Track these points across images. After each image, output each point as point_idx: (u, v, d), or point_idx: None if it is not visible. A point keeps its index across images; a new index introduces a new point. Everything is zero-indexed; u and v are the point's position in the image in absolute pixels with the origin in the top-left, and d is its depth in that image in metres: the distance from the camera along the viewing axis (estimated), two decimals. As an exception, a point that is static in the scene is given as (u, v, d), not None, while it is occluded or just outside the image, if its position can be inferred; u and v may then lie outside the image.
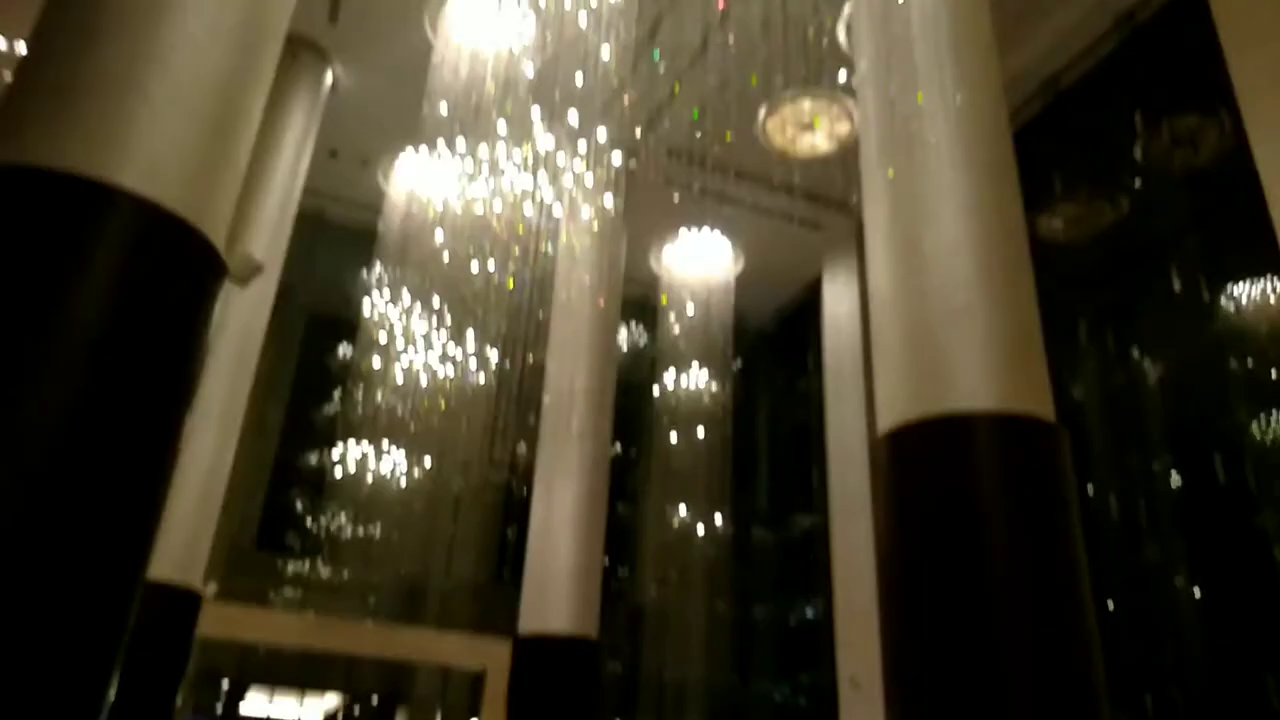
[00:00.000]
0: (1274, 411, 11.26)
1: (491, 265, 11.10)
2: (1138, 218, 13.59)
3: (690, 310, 14.28)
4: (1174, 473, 13.44)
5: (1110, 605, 12.49)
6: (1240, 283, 11.74)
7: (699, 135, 11.26)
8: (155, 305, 4.14)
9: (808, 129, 12.94)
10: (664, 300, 14.54)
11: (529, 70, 9.81)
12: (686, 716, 19.76)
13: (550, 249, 12.04)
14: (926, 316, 5.87)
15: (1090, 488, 13.17)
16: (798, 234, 15.19)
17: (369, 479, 14.97)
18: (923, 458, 5.62)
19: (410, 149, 12.56)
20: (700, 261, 14.96)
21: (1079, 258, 13.97)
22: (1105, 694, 5.14)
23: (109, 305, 3.96)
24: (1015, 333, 5.82)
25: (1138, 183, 13.54)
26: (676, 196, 13.55)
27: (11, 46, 11.49)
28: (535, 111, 10.07)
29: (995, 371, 5.63)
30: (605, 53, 8.65)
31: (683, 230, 14.99)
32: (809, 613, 18.24)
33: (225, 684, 19.35)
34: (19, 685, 3.40)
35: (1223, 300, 12.03)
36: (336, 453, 15.20)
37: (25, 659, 3.44)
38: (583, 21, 8.72)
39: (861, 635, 12.23)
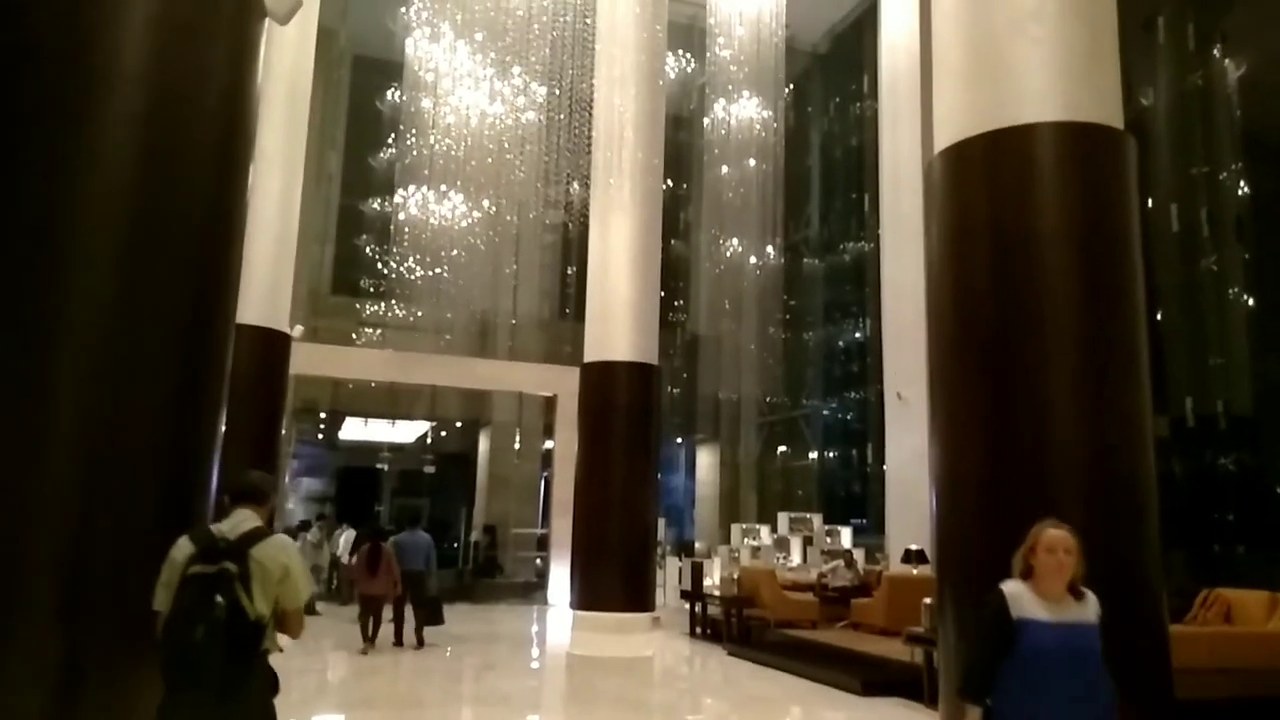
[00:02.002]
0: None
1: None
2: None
3: (739, 31, 13.60)
4: (1242, 182, 13.09)
5: (1159, 316, 12.69)
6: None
7: None
8: (199, 44, 4.05)
9: None
10: (711, 22, 13.81)
11: None
12: (741, 433, 21.22)
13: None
14: (992, 22, 5.46)
15: (1150, 200, 12.96)
16: (855, -61, 14.08)
17: (431, 223, 15.39)
18: (981, 171, 5.36)
19: None
20: (749, -23, 14.03)
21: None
22: (1150, 407, 5.17)
23: (153, 44, 3.88)
24: (1087, 37, 5.37)
25: None
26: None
27: None
28: None
29: (1063, 81, 5.25)
30: None
31: (730, -57, 13.94)
32: (857, 335, 18.87)
33: (323, 416, 21.29)
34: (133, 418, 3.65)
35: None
36: (398, 197, 15.56)
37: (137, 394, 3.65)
38: None
39: (908, 354, 12.76)
